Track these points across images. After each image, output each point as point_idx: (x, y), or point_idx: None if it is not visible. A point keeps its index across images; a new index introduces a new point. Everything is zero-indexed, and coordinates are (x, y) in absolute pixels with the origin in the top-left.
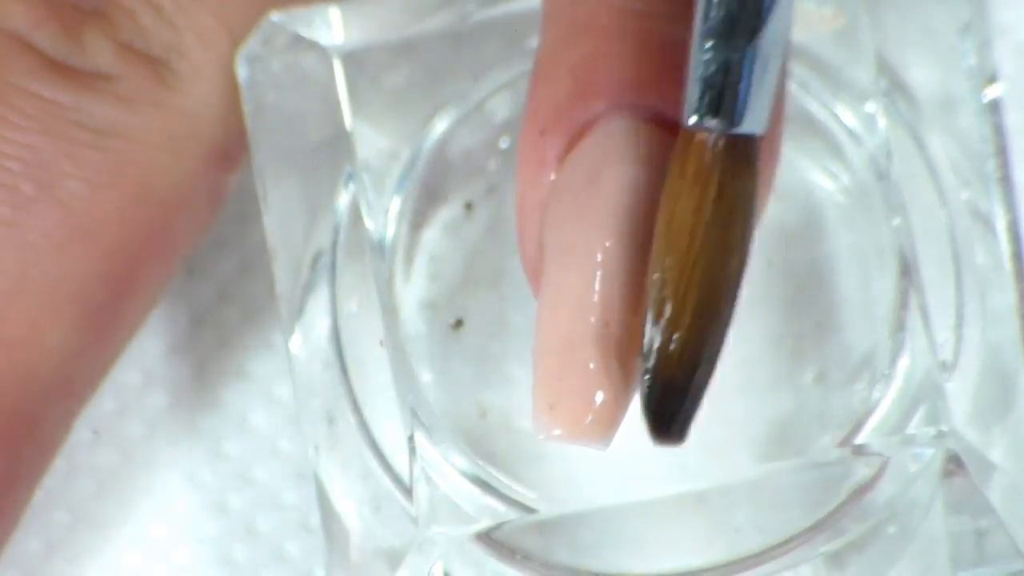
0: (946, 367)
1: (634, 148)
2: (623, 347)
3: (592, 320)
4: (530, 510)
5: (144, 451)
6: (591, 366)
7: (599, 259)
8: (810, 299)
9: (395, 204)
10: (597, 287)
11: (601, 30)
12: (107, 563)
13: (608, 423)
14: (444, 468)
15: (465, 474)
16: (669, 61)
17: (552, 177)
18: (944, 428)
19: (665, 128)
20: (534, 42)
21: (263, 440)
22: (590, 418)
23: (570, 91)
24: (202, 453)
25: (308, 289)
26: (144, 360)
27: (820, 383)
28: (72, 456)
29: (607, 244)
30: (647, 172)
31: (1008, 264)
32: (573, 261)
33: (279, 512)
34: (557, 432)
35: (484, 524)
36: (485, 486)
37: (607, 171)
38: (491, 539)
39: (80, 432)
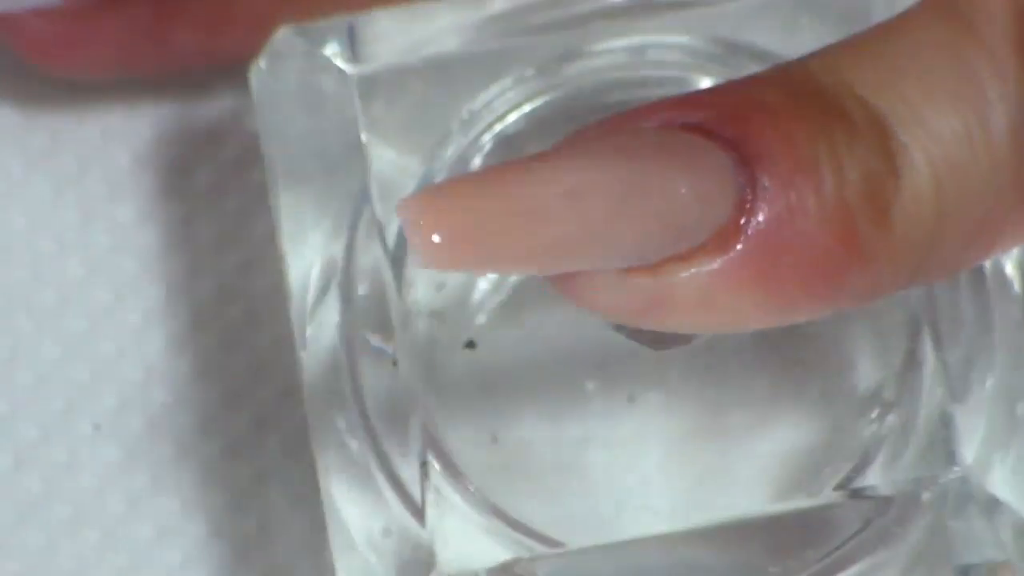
0: (956, 395)
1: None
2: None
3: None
4: (544, 539)
5: (145, 448)
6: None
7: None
8: (818, 327)
9: None
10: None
11: None
12: (107, 560)
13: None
14: (456, 494)
15: (478, 503)
16: None
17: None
18: (955, 468)
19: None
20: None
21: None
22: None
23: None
24: (203, 451)
25: (319, 305)
26: (145, 357)
27: (829, 414)
28: (73, 451)
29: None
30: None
31: (1018, 286)
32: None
33: (280, 509)
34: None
35: (499, 560)
36: (499, 516)
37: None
38: (505, 571)
39: (81, 427)
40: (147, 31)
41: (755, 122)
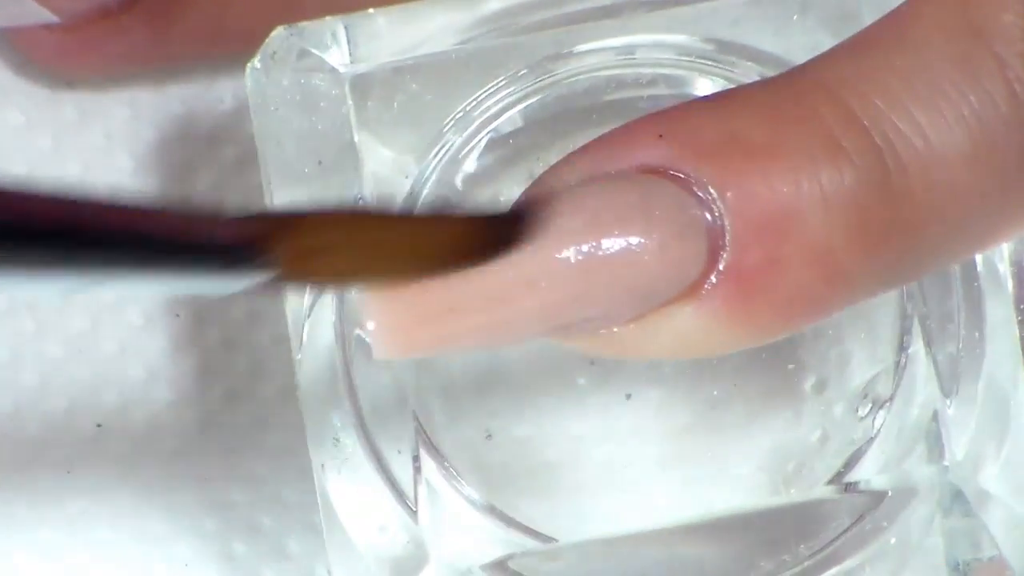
0: (946, 391)
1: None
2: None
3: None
4: (539, 536)
5: (147, 445)
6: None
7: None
8: (813, 326)
9: None
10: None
11: None
12: (109, 557)
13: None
14: (449, 491)
15: (471, 500)
16: None
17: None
18: (945, 463)
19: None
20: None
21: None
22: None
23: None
24: (204, 448)
25: (315, 303)
26: (148, 355)
27: (821, 410)
28: (76, 448)
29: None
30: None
31: (1010, 284)
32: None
33: (282, 508)
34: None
35: (493, 555)
36: (493, 512)
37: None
38: (500, 567)
39: (84, 425)
40: (144, 43)
41: (726, 161)
